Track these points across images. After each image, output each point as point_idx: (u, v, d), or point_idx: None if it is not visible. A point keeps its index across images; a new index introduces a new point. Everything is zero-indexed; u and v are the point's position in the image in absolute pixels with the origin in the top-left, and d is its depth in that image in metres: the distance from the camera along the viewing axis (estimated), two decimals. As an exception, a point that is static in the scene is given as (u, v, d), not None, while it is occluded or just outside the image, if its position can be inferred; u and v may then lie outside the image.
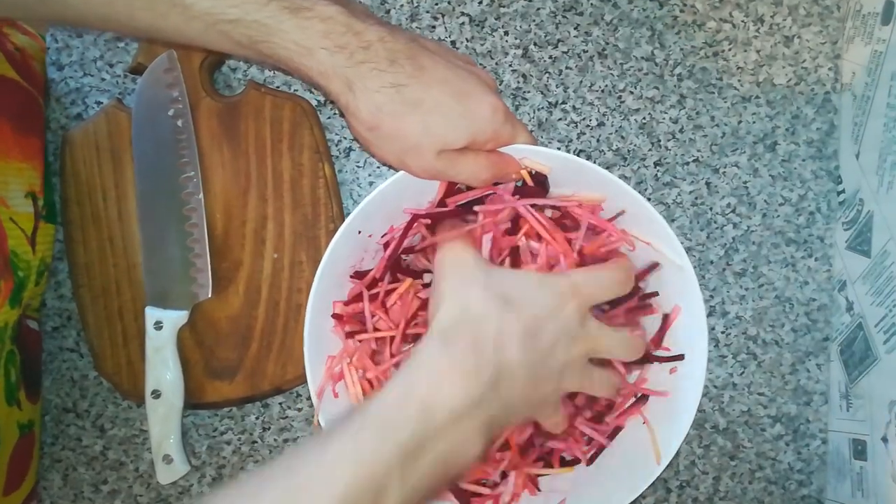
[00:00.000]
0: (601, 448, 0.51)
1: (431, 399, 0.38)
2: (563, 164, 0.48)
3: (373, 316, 0.50)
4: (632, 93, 0.61)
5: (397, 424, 0.37)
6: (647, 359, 0.50)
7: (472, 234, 0.47)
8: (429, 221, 0.49)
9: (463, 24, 0.61)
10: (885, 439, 0.53)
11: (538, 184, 0.49)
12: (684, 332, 0.50)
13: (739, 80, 0.61)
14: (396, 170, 0.47)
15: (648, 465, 0.48)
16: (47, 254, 0.57)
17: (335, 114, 0.60)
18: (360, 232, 0.49)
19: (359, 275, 0.51)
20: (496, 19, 0.61)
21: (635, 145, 0.60)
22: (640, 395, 0.51)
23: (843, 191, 0.60)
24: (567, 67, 0.61)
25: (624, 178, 0.60)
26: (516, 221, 0.49)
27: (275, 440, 0.59)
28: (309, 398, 0.58)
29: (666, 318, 0.50)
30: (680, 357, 0.50)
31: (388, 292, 0.50)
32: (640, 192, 0.60)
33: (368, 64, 0.43)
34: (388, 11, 0.60)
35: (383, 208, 0.48)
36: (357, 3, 0.45)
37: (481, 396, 0.39)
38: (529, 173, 0.49)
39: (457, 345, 0.40)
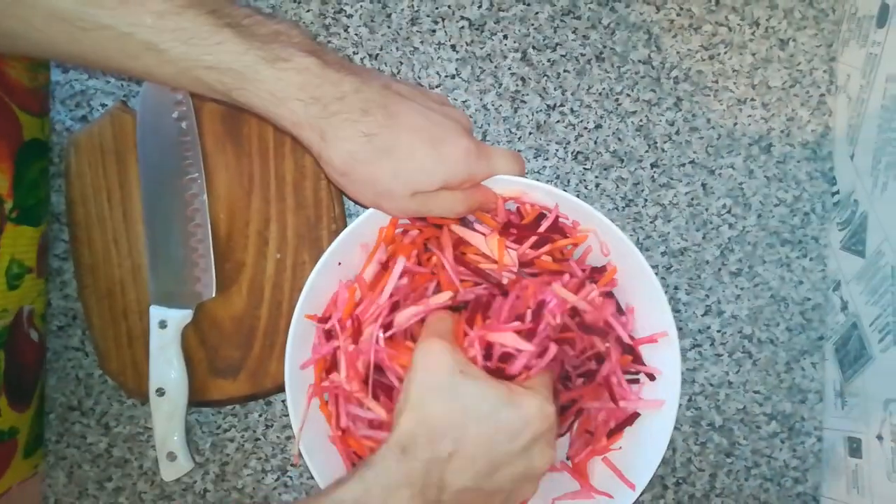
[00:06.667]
0: None
1: None
2: (529, 188, 0.49)
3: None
4: (629, 95, 0.61)
5: None
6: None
7: (458, 327, 0.46)
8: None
9: (462, 27, 0.61)
10: (879, 437, 0.53)
11: (529, 224, 0.50)
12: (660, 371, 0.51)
13: (735, 83, 0.61)
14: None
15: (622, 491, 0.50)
16: (24, 257, 0.56)
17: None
18: (339, 263, 0.50)
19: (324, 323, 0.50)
20: (495, 23, 0.61)
21: (632, 147, 0.61)
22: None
23: (837, 192, 0.61)
24: (565, 70, 0.61)
25: (621, 179, 0.61)
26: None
27: (277, 437, 0.60)
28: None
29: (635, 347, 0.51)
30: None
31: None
32: (636, 192, 0.61)
33: (342, 115, 0.43)
34: (389, 16, 0.61)
35: (360, 240, 0.50)
36: (331, 53, 0.46)
37: None
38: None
39: (412, 461, 0.41)
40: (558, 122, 0.61)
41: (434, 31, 0.61)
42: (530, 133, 0.61)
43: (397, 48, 0.61)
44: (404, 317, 0.47)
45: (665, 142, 0.61)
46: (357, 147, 0.44)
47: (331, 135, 0.44)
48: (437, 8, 0.61)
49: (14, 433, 0.56)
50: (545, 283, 0.48)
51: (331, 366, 0.50)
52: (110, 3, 0.40)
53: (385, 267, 0.50)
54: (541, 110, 0.61)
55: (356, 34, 0.61)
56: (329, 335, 0.49)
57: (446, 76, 0.61)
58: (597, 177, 0.61)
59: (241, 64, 0.42)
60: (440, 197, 0.47)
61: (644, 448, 0.50)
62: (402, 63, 0.61)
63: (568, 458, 0.52)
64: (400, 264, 0.49)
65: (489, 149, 0.48)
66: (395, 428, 0.42)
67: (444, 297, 0.47)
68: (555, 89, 0.61)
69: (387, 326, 0.48)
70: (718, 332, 0.60)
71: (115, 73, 0.56)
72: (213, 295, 0.56)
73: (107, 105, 0.60)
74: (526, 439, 0.42)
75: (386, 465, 0.41)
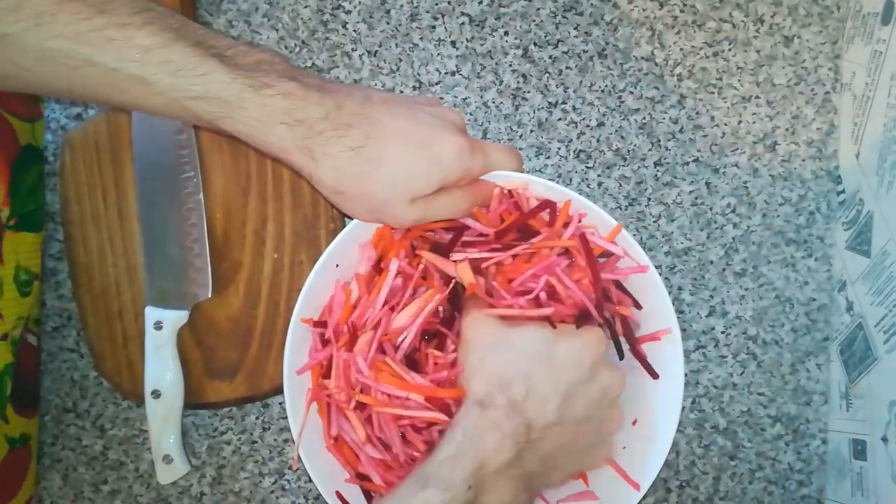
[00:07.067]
0: None
1: (480, 457, 0.41)
2: (529, 184, 0.49)
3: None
4: (632, 93, 0.61)
5: (454, 482, 0.41)
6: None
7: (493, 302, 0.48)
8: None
9: (463, 23, 0.61)
10: (884, 439, 0.53)
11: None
12: (661, 353, 0.50)
13: (739, 80, 0.61)
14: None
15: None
16: (29, 263, 0.56)
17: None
18: (337, 265, 0.49)
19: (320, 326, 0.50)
20: (496, 19, 0.61)
21: (635, 145, 0.60)
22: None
23: (842, 191, 0.60)
24: (567, 67, 0.61)
25: (624, 177, 0.60)
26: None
27: (275, 440, 0.59)
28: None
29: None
30: (654, 374, 0.50)
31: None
32: (639, 191, 0.60)
33: (327, 132, 0.43)
34: (388, 12, 0.61)
35: (358, 240, 0.49)
36: (312, 76, 0.46)
37: (519, 454, 0.42)
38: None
39: (494, 410, 0.43)
40: (560, 119, 0.60)
41: (434, 27, 0.61)
42: (531, 131, 0.60)
43: (396, 45, 0.61)
44: (399, 323, 0.47)
45: (668, 140, 0.60)
46: (344, 162, 0.44)
47: (319, 153, 0.44)
48: (436, 4, 0.61)
49: (26, 440, 0.56)
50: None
51: (327, 371, 0.49)
52: (97, 40, 0.41)
53: (377, 268, 0.50)
54: (542, 108, 0.60)
55: (354, 30, 0.61)
56: (324, 340, 0.49)
57: (446, 73, 0.61)
58: (599, 175, 0.60)
59: (227, 92, 0.42)
60: (441, 198, 0.46)
61: (648, 448, 0.49)
62: (401, 60, 0.61)
63: None
64: (394, 267, 0.48)
65: (484, 144, 0.48)
66: (468, 394, 0.44)
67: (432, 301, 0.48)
68: (556, 86, 0.61)
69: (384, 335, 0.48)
70: (723, 333, 0.60)
71: (103, 105, 0.56)
72: (210, 295, 0.56)
73: (102, 102, 0.60)
74: (588, 364, 0.45)
75: (470, 419, 0.43)
